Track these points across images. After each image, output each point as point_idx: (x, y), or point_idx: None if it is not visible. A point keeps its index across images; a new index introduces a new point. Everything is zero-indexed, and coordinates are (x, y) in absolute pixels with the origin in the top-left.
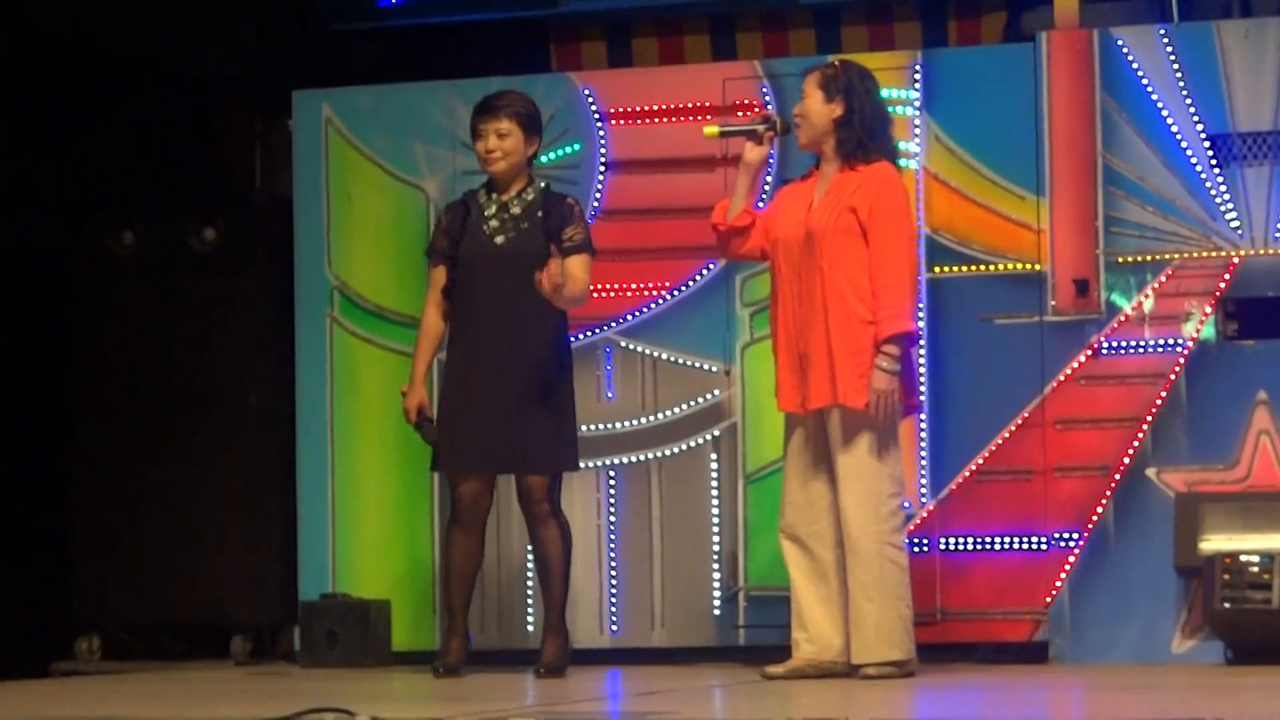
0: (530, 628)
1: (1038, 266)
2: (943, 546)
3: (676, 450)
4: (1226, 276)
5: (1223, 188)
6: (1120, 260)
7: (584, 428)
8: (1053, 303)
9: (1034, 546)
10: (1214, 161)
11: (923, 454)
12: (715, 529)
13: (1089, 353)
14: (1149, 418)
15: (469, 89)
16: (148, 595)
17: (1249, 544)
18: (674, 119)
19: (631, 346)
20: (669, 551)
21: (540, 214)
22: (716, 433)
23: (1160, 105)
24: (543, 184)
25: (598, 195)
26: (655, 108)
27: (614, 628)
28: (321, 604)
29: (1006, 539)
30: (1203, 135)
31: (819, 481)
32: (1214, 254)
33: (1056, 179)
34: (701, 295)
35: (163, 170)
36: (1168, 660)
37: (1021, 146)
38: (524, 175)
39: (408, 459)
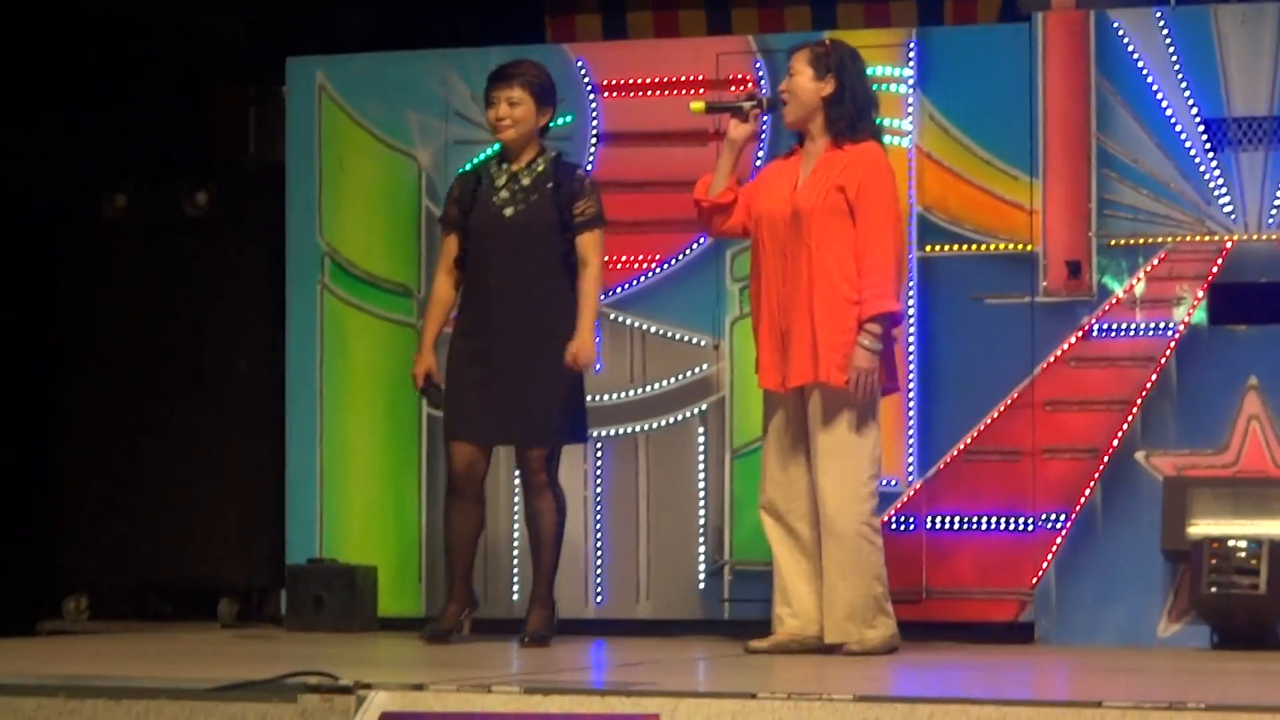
0: (516, 597)
1: (1030, 247)
2: (929, 525)
3: (664, 423)
4: (1219, 261)
5: (1216, 172)
6: (1112, 243)
7: None
8: (1044, 284)
9: (1021, 527)
10: (1208, 146)
11: (910, 432)
12: (701, 502)
13: (1080, 335)
14: (1139, 401)
15: (462, 58)
16: (136, 556)
17: (1237, 529)
18: (666, 92)
19: (621, 319)
20: (655, 524)
21: (550, 185)
22: (704, 407)
23: (1155, 88)
24: (554, 154)
25: (589, 167)
26: (648, 80)
27: (599, 599)
28: (308, 568)
29: (993, 519)
30: (1197, 119)
31: (798, 461)
32: (1207, 238)
33: (1050, 160)
34: (692, 269)
35: (156, 134)
36: (1153, 644)
37: (1015, 127)
38: (535, 145)
39: (396, 425)
